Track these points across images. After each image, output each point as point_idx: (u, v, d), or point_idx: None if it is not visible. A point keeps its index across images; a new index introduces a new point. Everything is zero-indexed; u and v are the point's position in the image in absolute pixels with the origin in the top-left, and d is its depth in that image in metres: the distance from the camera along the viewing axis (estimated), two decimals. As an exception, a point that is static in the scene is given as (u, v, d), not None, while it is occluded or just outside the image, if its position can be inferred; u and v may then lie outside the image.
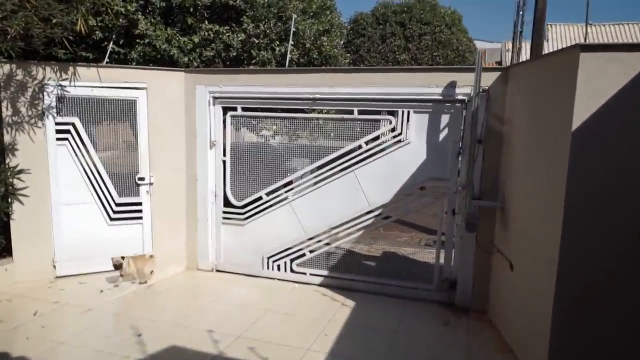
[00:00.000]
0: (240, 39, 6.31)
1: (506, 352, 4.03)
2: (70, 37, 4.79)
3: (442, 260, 5.15)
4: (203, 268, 5.96)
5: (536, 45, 6.27)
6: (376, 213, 5.29)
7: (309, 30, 6.90)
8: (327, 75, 5.26)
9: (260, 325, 4.45)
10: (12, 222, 5.20)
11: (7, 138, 5.05)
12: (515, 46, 12.30)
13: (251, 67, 6.26)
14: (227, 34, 6.29)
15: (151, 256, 5.43)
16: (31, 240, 5.30)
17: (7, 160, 5.08)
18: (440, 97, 4.81)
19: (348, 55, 8.33)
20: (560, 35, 18.10)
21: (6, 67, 4.93)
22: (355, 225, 5.37)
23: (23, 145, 5.13)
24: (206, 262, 5.94)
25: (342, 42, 8.13)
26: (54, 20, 4.51)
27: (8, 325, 4.31)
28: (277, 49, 6.49)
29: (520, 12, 10.65)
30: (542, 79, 3.73)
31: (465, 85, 4.70)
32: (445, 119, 4.92)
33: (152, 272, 5.47)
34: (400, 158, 5.06)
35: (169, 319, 4.55)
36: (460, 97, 4.75)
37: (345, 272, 5.52)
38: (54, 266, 5.44)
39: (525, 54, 14.93)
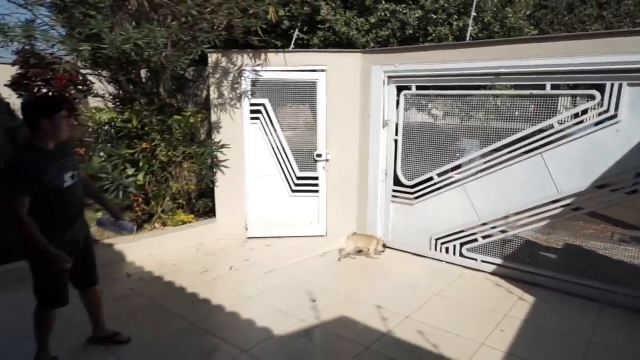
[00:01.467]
0: (417, 15, 5.79)
1: None
2: (263, 26, 4.92)
3: (654, 264, 3.99)
4: (371, 242, 5.78)
5: None
6: (565, 202, 4.35)
7: (490, 1, 5.98)
8: (515, 46, 4.41)
9: (428, 309, 4.04)
10: (215, 189, 5.73)
11: (213, 117, 5.53)
12: None
13: (427, 44, 5.70)
14: (404, 12, 5.82)
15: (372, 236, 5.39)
16: (229, 204, 5.77)
17: (213, 136, 5.58)
18: (669, 65, 3.61)
19: (532, 27, 7.05)
20: None
21: (213, 56, 5.34)
22: (539, 214, 4.52)
23: (225, 124, 5.56)
24: (374, 237, 5.74)
25: (527, 12, 6.90)
26: (250, 11, 4.67)
27: (210, 275, 4.74)
28: (455, 23, 5.78)
29: None
30: None
31: None
32: (673, 92, 3.69)
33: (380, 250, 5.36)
34: (605, 140, 3.99)
35: (340, 289, 4.46)
36: (700, 63, 3.49)
37: (523, 263, 4.71)
38: (246, 228, 5.86)
39: None
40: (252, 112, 5.57)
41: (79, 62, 4.76)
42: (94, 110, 5.06)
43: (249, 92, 5.44)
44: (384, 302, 4.11)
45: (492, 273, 4.83)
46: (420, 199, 5.33)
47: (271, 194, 5.81)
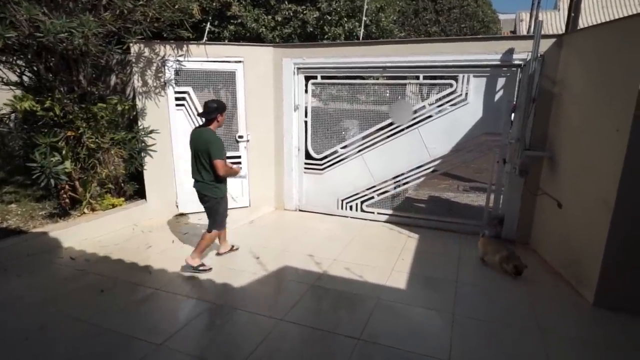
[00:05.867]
0: (315, 16, 6.18)
1: (553, 273, 4.14)
2: (188, 20, 4.82)
3: (491, 203, 5.19)
4: (288, 208, 6.20)
5: (574, 17, 5.92)
6: (435, 164, 5.34)
7: (369, 7, 6.68)
8: (397, 46, 5.15)
9: (348, 252, 4.65)
10: (144, 172, 5.51)
11: (139, 104, 5.26)
12: (533, 16, 11.68)
13: (325, 42, 6.17)
14: (304, 13, 6.17)
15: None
16: (159, 185, 5.61)
17: (140, 123, 5.32)
18: (499, 63, 4.68)
19: (398, 28, 8.02)
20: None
21: (137, 46, 5.06)
22: (416, 174, 5.44)
23: (150, 110, 5.34)
24: (291, 203, 6.17)
25: (394, 18, 7.81)
26: (177, 6, 4.55)
27: (156, 249, 4.66)
28: (346, 25, 6.34)
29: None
30: (608, 42, 3.54)
31: (522, 51, 4.55)
32: (501, 81, 4.80)
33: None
34: (460, 116, 5.02)
35: (275, 246, 4.80)
36: (516, 62, 4.61)
37: (406, 211, 5.64)
38: (177, 206, 5.78)
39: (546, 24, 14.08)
40: (177, 99, 5.44)
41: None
42: (13, 99, 4.41)
43: (173, 81, 5.31)
44: (313, 252, 4.61)
45: (386, 221, 5.68)
46: (328, 168, 5.91)
47: (198, 173, 5.79)
